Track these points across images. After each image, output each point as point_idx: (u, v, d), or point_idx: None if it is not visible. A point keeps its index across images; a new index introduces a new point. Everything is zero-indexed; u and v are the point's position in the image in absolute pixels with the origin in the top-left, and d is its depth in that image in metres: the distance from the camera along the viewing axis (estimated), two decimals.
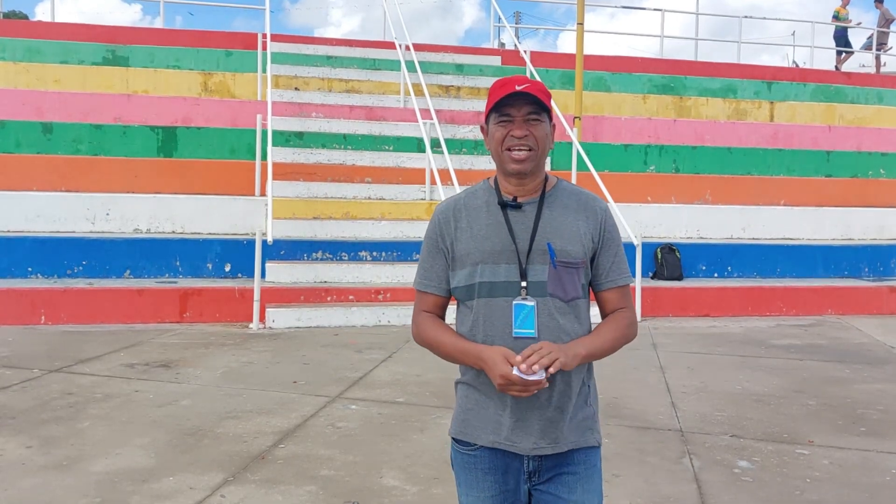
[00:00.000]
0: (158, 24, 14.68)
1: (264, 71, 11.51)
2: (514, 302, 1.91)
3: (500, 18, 16.56)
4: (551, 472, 1.96)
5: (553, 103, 2.03)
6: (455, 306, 2.05)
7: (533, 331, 1.90)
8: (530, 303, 1.91)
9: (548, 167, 9.17)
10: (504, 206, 1.97)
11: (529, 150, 1.91)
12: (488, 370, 1.85)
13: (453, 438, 2.05)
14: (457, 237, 1.99)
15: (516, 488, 1.98)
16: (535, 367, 1.78)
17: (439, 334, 2.00)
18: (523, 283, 1.92)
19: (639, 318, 7.86)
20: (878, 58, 18.86)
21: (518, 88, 1.88)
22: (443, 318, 2.09)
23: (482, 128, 2.03)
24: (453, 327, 2.04)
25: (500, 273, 1.93)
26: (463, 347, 1.94)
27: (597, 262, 2.01)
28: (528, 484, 1.97)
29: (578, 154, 9.96)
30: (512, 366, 1.80)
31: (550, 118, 1.96)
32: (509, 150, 1.92)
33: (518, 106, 1.91)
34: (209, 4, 16.98)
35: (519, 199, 1.97)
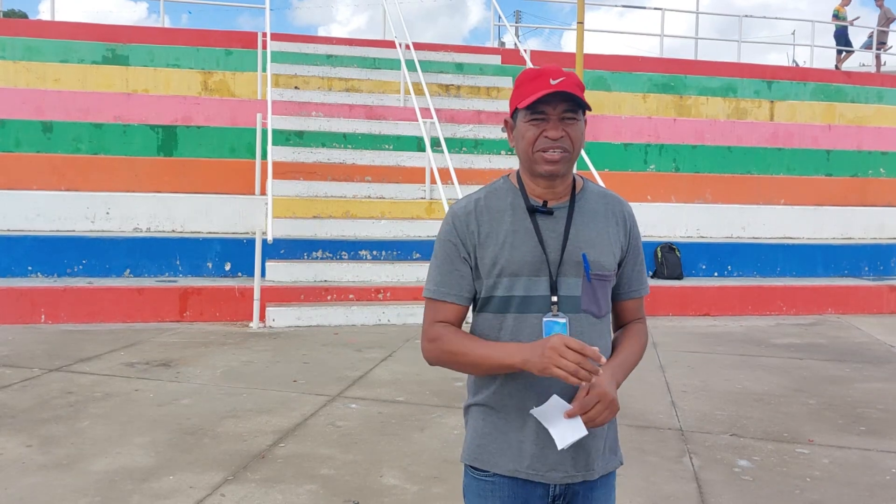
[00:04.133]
0: (163, 23, 14.69)
1: (264, 70, 11.50)
2: (545, 319, 1.73)
3: (500, 17, 16.57)
4: (575, 497, 1.81)
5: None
6: (471, 319, 1.86)
7: None
8: (562, 320, 1.72)
9: None
10: (533, 211, 1.77)
11: (564, 151, 1.72)
12: (537, 348, 1.63)
13: (469, 465, 1.85)
14: (480, 243, 1.77)
15: None
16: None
17: (462, 343, 1.77)
18: (554, 298, 1.74)
19: None
20: (878, 57, 18.86)
21: (553, 83, 1.68)
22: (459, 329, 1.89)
23: (506, 122, 1.83)
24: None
25: (529, 287, 1.75)
26: (491, 345, 1.74)
27: (622, 270, 1.86)
28: None
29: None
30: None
31: (585, 114, 1.77)
32: (542, 151, 1.72)
33: (553, 103, 1.70)
34: (211, 4, 16.96)
35: (549, 204, 1.78)
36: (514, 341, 1.74)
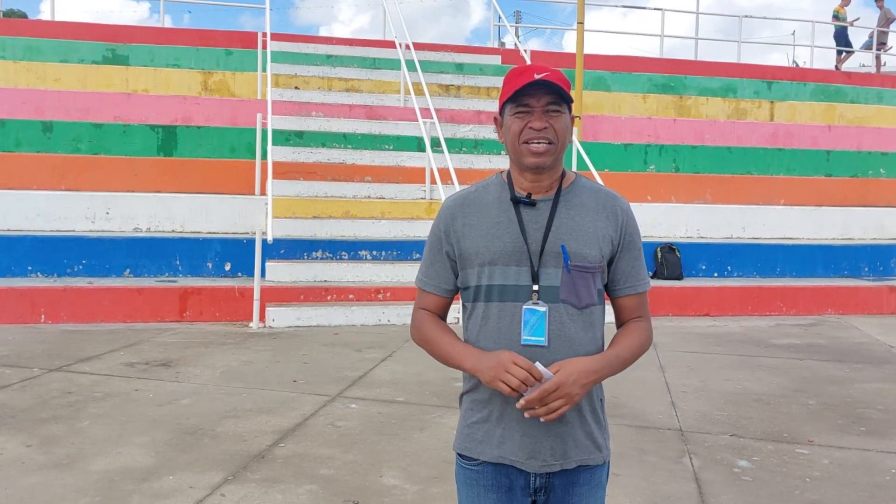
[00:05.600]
0: (165, 23, 14.70)
1: (264, 70, 11.50)
2: (525, 307, 1.79)
3: (500, 17, 16.58)
4: (557, 489, 1.86)
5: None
6: (460, 306, 1.95)
7: (543, 339, 1.78)
8: (541, 308, 1.78)
9: None
10: (517, 202, 1.83)
11: (549, 143, 1.78)
12: (486, 361, 1.75)
13: (457, 454, 1.94)
14: (463, 234, 1.85)
15: None
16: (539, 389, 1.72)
17: (435, 334, 1.91)
18: (535, 287, 1.79)
19: None
20: (878, 57, 18.87)
21: (537, 77, 1.75)
22: (443, 318, 1.98)
23: (496, 119, 1.90)
24: (455, 327, 1.95)
25: (510, 276, 1.80)
26: (455, 346, 1.85)
27: (615, 266, 1.89)
28: (532, 497, 1.86)
29: (578, 153, 9.97)
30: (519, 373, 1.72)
31: (570, 109, 1.83)
32: (527, 142, 1.78)
33: (537, 96, 1.77)
34: (213, 4, 16.95)
35: (533, 196, 1.83)
36: (497, 329, 1.81)
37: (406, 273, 8.47)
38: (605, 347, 1.92)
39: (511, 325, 1.80)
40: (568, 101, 1.81)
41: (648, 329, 1.95)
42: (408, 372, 5.99)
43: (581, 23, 11.49)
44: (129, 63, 12.27)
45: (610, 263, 1.89)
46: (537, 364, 1.72)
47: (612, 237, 1.85)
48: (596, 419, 1.89)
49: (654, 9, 26.54)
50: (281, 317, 7.73)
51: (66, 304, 7.67)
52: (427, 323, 1.94)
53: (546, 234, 1.81)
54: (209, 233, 9.00)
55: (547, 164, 1.80)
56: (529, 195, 1.83)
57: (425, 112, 10.29)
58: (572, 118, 1.85)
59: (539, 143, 1.78)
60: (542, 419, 1.75)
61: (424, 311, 1.96)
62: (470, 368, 1.81)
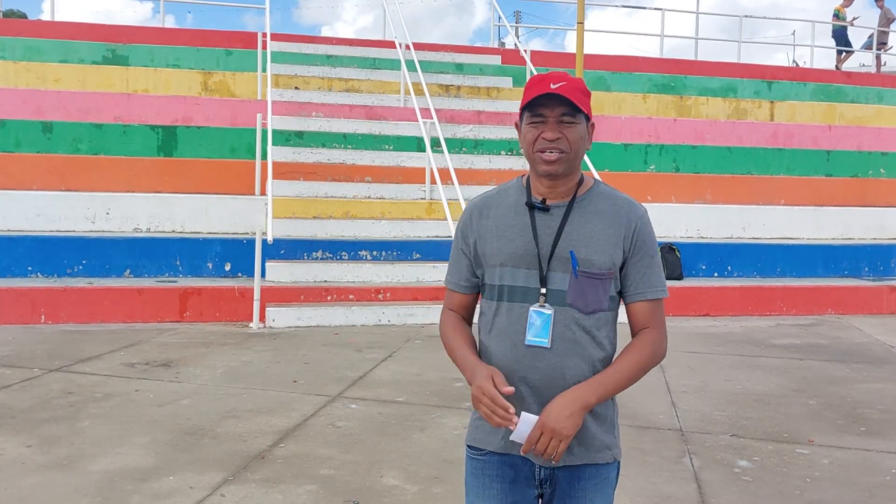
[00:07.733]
0: (166, 23, 14.70)
1: (264, 70, 11.49)
2: (531, 309, 1.85)
3: (500, 17, 16.58)
4: (562, 482, 1.90)
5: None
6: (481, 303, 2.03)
7: (546, 340, 1.83)
8: (548, 311, 1.84)
9: None
10: (531, 207, 1.89)
11: (561, 152, 1.83)
12: (476, 378, 1.83)
13: (467, 445, 2.01)
14: (480, 235, 1.94)
15: (522, 499, 1.92)
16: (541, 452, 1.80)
17: (449, 337, 2.00)
18: (542, 290, 1.85)
19: None
20: (878, 57, 18.86)
21: (552, 87, 1.79)
22: (469, 317, 2.06)
23: (516, 125, 1.96)
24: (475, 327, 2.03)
25: (520, 277, 1.87)
26: (464, 356, 1.93)
27: (626, 271, 1.90)
28: (538, 490, 1.91)
29: None
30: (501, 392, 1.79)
31: (588, 118, 1.87)
32: (541, 151, 1.84)
33: (551, 106, 1.81)
34: (214, 4, 16.95)
35: (548, 202, 1.89)
36: (505, 328, 1.89)
37: (406, 273, 8.47)
38: (616, 353, 1.93)
39: (518, 325, 1.87)
40: (580, 111, 1.83)
41: (657, 340, 1.92)
42: (408, 372, 5.99)
43: (581, 23, 11.48)
44: (129, 63, 12.26)
45: (621, 269, 1.91)
46: (523, 413, 1.79)
47: (624, 243, 1.88)
48: (602, 420, 1.91)
49: (655, 9, 26.55)
50: (281, 317, 7.72)
51: (66, 304, 7.67)
52: (448, 325, 2.03)
53: (556, 240, 1.86)
54: (209, 233, 9.00)
55: (559, 172, 1.86)
56: (544, 200, 1.90)
57: (425, 112, 10.29)
58: (591, 125, 1.89)
59: (551, 152, 1.83)
60: (552, 461, 1.83)
61: (450, 311, 2.06)
62: (468, 380, 1.89)
